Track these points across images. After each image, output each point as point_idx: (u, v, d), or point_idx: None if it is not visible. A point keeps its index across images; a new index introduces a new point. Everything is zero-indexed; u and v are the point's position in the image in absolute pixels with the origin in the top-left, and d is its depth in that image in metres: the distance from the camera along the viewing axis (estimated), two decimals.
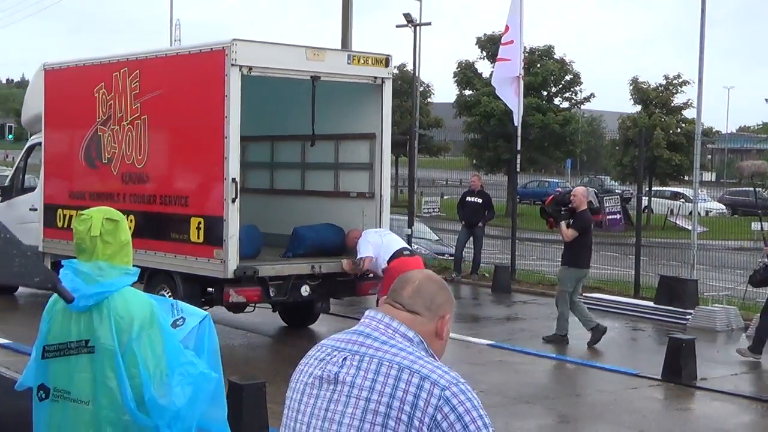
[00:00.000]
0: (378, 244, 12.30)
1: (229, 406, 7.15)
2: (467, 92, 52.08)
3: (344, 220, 13.27)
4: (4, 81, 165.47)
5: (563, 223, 13.33)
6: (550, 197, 14.39)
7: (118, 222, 4.08)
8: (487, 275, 19.61)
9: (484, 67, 53.07)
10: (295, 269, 12.36)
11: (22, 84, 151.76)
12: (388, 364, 2.77)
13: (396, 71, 55.79)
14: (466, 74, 52.10)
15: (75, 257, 4.11)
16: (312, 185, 14.42)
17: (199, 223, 11.93)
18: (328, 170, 14.02)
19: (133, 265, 4.13)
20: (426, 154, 51.12)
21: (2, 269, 3.37)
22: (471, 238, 19.90)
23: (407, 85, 51.64)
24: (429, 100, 56.91)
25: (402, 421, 2.69)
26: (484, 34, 51.91)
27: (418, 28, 31.46)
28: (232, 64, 11.51)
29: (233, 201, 11.55)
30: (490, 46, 50.67)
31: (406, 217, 20.63)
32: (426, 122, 52.76)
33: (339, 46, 22.56)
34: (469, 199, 20.09)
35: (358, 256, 12.28)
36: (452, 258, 20.59)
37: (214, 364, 4.11)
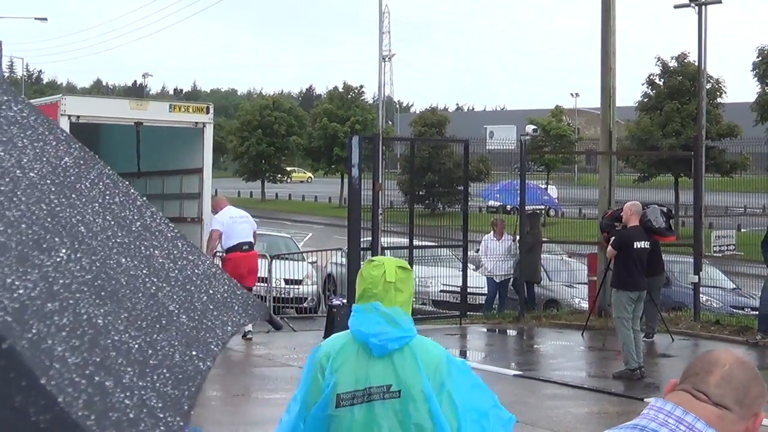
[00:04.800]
0: (228, 224, 15.05)
1: None
2: None
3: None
4: (171, 92, 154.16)
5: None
6: (611, 212, 15.30)
7: (410, 272, 4.39)
8: None
9: None
10: None
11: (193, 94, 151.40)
12: None
13: (675, 63, 51.82)
14: None
15: None
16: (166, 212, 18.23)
17: None
18: (176, 200, 18.67)
19: None
20: (716, 173, 43.71)
21: None
22: None
23: (690, 83, 47.17)
24: (719, 100, 51.08)
25: None
26: None
27: (703, 8, 27.56)
28: (61, 114, 15.91)
29: None
30: None
31: (691, 259, 18.39)
32: (715, 131, 47.14)
33: (599, 40, 20.29)
34: None
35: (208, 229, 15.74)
36: (756, 313, 17.95)
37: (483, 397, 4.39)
